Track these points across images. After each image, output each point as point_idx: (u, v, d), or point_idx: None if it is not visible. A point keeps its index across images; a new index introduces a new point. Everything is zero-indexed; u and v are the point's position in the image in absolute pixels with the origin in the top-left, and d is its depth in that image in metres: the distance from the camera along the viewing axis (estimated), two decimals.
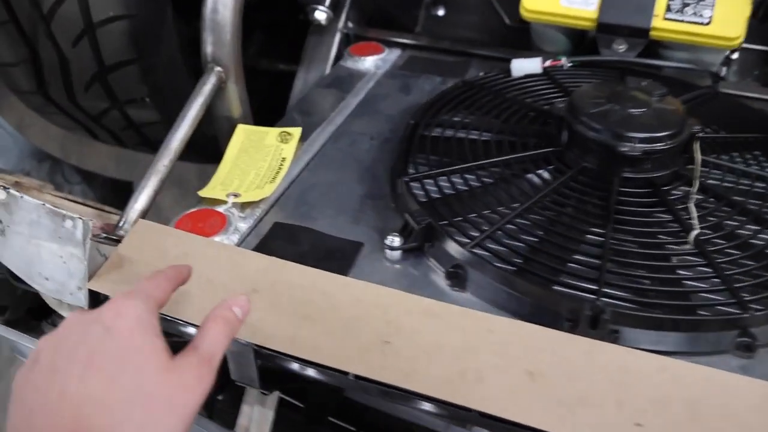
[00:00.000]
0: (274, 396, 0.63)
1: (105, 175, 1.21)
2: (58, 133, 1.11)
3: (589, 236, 0.58)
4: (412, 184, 0.64)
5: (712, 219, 0.60)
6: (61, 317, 0.69)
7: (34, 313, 0.71)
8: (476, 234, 0.58)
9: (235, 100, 0.77)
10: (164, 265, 0.56)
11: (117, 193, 1.26)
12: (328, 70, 0.97)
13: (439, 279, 0.58)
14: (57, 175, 1.10)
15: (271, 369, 0.56)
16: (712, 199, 0.63)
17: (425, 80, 0.90)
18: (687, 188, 0.63)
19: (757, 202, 0.63)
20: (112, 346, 0.39)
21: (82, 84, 0.93)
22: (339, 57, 0.98)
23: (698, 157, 0.63)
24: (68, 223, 0.56)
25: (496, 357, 0.50)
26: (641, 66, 0.83)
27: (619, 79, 0.81)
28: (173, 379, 0.39)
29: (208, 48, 0.73)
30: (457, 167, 0.66)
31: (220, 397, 0.67)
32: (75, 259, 0.56)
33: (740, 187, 0.65)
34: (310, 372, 0.55)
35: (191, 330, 0.56)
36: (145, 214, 0.65)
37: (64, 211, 0.56)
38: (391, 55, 0.96)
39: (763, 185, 0.65)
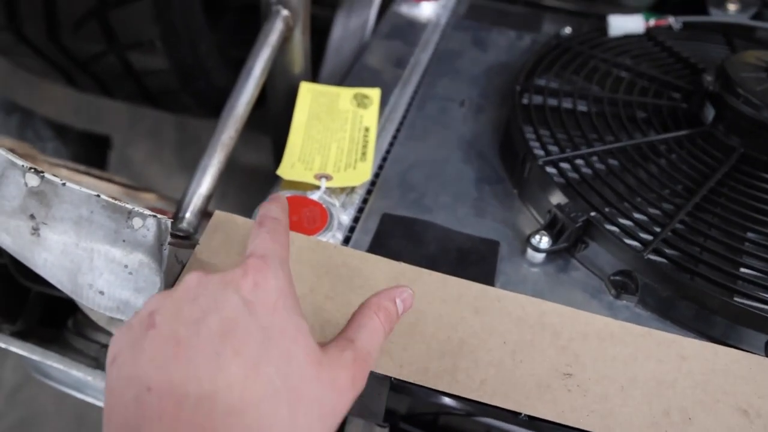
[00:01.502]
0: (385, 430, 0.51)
1: (78, 128, 1.02)
2: (26, 78, 0.92)
3: None
4: (547, 167, 0.53)
5: None
6: (107, 333, 0.54)
7: (46, 321, 0.56)
8: (644, 235, 0.48)
9: (299, 52, 0.62)
10: None
11: (91, 149, 1.07)
12: (372, 17, 0.82)
13: (597, 285, 0.48)
14: (27, 130, 0.90)
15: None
16: None
17: (498, 34, 0.77)
18: None
19: None
20: (253, 325, 0.30)
21: (72, 21, 0.75)
22: (385, 4, 0.83)
23: None
24: (137, 222, 0.41)
25: (698, 391, 0.40)
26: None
27: (727, 44, 0.71)
28: (324, 377, 0.31)
29: None
30: (597, 149, 0.54)
31: None
32: (146, 269, 0.42)
33: None
34: (463, 407, 0.44)
35: None
36: (209, 200, 0.50)
37: (130, 206, 0.41)
38: (449, 2, 0.82)
39: None
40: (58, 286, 0.44)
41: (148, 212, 0.41)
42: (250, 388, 0.28)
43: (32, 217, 0.42)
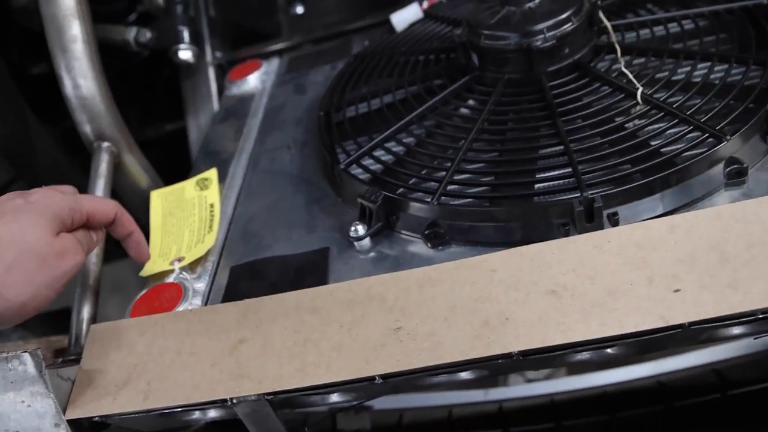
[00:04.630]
0: None
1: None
2: None
3: (543, 140, 0.55)
4: (350, 169, 0.60)
5: (647, 74, 0.58)
6: None
7: None
8: (435, 185, 0.55)
9: (137, 170, 0.71)
10: (138, 362, 0.51)
11: (61, 323, 1.16)
12: (215, 107, 0.92)
13: (420, 247, 0.54)
14: None
15: (296, 413, 0.51)
16: (638, 58, 0.61)
17: (315, 74, 0.86)
18: (609, 57, 0.62)
19: (678, 43, 0.62)
20: None
21: None
22: (222, 91, 0.93)
23: (608, 23, 0.62)
24: (14, 363, 0.49)
25: (511, 291, 0.46)
26: None
27: None
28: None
29: (86, 127, 0.66)
30: (385, 134, 0.62)
31: None
32: (38, 397, 0.49)
33: (657, 35, 0.64)
34: (334, 398, 0.50)
35: (193, 415, 0.50)
36: (93, 321, 0.58)
37: (4, 354, 0.49)
38: (272, 66, 0.92)
39: (675, 24, 0.64)
40: None
41: (18, 352, 0.49)
42: None
43: None
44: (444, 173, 0.55)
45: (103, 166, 0.66)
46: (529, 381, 0.71)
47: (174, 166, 0.88)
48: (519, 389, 0.70)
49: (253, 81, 0.88)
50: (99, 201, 0.51)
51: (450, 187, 0.54)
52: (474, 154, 0.56)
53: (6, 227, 0.43)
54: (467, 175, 0.55)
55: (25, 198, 0.46)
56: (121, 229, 0.53)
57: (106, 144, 0.67)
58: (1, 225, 0.43)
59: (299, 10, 1.08)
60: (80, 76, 0.66)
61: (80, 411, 0.50)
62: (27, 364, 0.49)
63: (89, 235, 0.51)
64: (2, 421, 0.50)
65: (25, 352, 0.49)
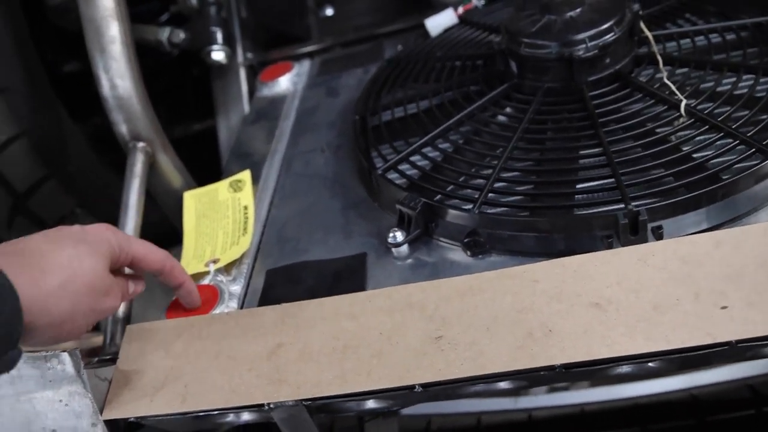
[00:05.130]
0: None
1: None
2: None
3: (585, 150, 0.55)
4: (387, 174, 0.60)
5: (690, 85, 0.58)
6: None
7: None
8: (476, 194, 0.54)
9: (170, 170, 0.71)
10: (175, 364, 0.51)
11: None
12: (246, 108, 0.92)
13: (458, 254, 0.54)
14: None
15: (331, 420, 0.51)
16: (680, 69, 0.60)
17: (347, 77, 0.86)
18: (651, 67, 0.61)
19: (720, 54, 0.61)
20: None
21: (3, 223, 0.86)
22: (252, 92, 0.93)
23: (649, 33, 0.61)
24: (53, 363, 0.49)
25: (553, 303, 0.46)
26: None
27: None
28: None
29: (122, 127, 0.67)
30: (424, 140, 0.62)
31: None
32: (76, 397, 0.50)
33: (698, 46, 0.63)
34: (370, 404, 0.50)
35: (228, 418, 0.50)
36: (127, 321, 0.59)
37: (43, 353, 0.49)
38: (303, 68, 0.92)
39: (716, 35, 0.64)
40: None
41: (57, 351, 0.49)
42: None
43: None
44: (483, 181, 0.55)
45: (138, 166, 0.66)
46: (559, 390, 0.70)
47: (203, 166, 0.89)
48: (549, 398, 0.69)
49: (285, 83, 0.88)
50: (149, 248, 0.51)
51: (490, 196, 0.53)
52: (514, 163, 0.56)
53: (66, 251, 0.45)
54: (507, 184, 0.54)
55: (83, 229, 0.49)
56: (172, 279, 0.53)
57: (141, 144, 0.67)
58: (63, 249, 0.46)
59: (329, 12, 1.08)
60: (118, 77, 0.66)
61: (117, 412, 0.50)
62: (66, 363, 0.49)
63: (129, 284, 0.52)
64: (39, 420, 0.51)
65: (64, 351, 0.49)
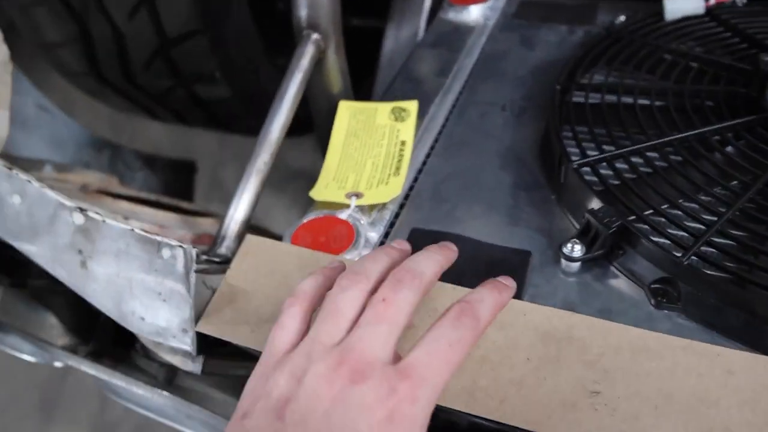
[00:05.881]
0: None
1: (165, 156, 1.09)
2: (113, 116, 1.00)
3: None
4: (583, 170, 0.50)
5: None
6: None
7: (119, 340, 0.61)
8: (684, 235, 0.44)
9: (335, 72, 0.63)
10: (287, 296, 0.44)
11: (179, 175, 1.14)
12: (422, 25, 0.82)
13: (638, 297, 0.45)
14: (118, 163, 0.98)
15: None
16: None
17: (548, 30, 0.74)
18: None
19: None
20: None
21: (142, 61, 0.80)
22: (435, 9, 0.82)
23: None
24: (166, 253, 0.44)
25: (746, 410, 0.37)
26: None
27: None
28: None
29: (302, 11, 0.58)
30: (639, 146, 0.51)
31: None
32: (177, 296, 0.44)
33: None
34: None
35: None
36: (247, 225, 0.53)
37: (159, 238, 0.44)
38: (499, 3, 0.80)
39: None
40: (108, 314, 0.48)
41: (175, 243, 0.43)
42: None
43: (80, 251, 0.46)
44: (701, 226, 0.45)
45: (305, 60, 0.58)
46: None
47: (354, 72, 0.80)
48: None
49: (475, 12, 0.77)
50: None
51: (704, 249, 0.43)
52: (745, 217, 0.45)
53: None
54: (729, 241, 0.44)
55: (367, 418, 0.30)
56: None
57: (315, 36, 0.59)
58: None
59: None
60: None
61: (213, 328, 0.45)
62: (177, 259, 0.44)
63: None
64: (131, 303, 0.46)
65: (181, 246, 0.43)
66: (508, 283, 0.39)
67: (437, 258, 0.38)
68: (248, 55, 0.81)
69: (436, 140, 0.60)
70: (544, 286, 0.46)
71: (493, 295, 0.36)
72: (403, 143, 0.58)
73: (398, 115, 0.61)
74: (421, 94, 0.64)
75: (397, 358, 0.33)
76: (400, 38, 0.82)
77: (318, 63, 0.61)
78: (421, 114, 0.62)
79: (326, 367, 0.31)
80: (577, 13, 0.77)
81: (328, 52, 0.61)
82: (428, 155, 0.59)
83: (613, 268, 0.47)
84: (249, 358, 0.44)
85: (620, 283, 0.46)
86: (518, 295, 0.45)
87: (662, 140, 0.51)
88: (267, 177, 0.54)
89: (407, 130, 0.59)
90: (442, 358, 0.32)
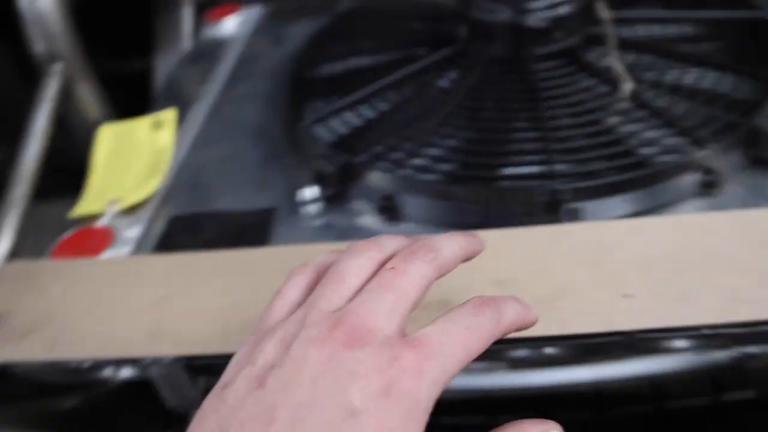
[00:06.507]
0: None
1: None
2: None
3: (519, 123, 0.52)
4: (313, 127, 0.56)
5: (637, 71, 0.55)
6: None
7: None
8: (400, 157, 0.51)
9: (88, 98, 0.66)
10: (49, 308, 0.46)
11: None
12: (188, 48, 0.86)
13: (370, 220, 0.51)
14: None
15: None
16: (631, 54, 0.57)
17: (297, 27, 0.81)
18: (601, 48, 0.58)
19: (674, 45, 0.58)
20: None
21: None
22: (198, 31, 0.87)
23: (606, 13, 0.58)
24: None
25: (454, 276, 0.43)
26: None
27: None
28: None
29: (40, 45, 0.61)
30: (355, 97, 0.58)
31: None
32: None
33: (654, 34, 0.60)
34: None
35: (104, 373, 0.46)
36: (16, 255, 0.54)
37: None
38: (252, 14, 0.87)
39: (675, 27, 0.61)
40: None
41: None
42: None
43: None
44: (412, 145, 0.51)
45: (51, 90, 0.60)
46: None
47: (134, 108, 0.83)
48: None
49: (230, 25, 0.83)
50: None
51: (415, 161, 0.50)
52: (445, 130, 0.53)
53: None
54: (435, 151, 0.51)
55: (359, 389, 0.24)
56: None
57: (58, 66, 0.62)
58: None
59: None
60: None
61: None
62: None
63: None
64: None
65: None
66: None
67: (459, 240, 0.32)
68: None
69: (195, 139, 0.64)
70: (287, 234, 0.51)
71: (518, 307, 0.30)
72: (163, 149, 0.62)
73: (157, 125, 0.65)
74: (182, 105, 0.68)
75: (403, 335, 0.27)
76: (169, 66, 0.86)
77: (69, 92, 0.63)
78: (181, 120, 0.66)
79: (318, 331, 0.25)
80: (320, 7, 0.84)
81: (75, 80, 0.64)
82: (188, 153, 0.63)
83: (350, 206, 0.52)
84: None
85: (355, 214, 0.51)
86: (265, 245, 0.49)
87: (377, 85, 0.58)
88: (26, 211, 0.55)
89: (166, 136, 0.63)
90: (458, 338, 0.26)
